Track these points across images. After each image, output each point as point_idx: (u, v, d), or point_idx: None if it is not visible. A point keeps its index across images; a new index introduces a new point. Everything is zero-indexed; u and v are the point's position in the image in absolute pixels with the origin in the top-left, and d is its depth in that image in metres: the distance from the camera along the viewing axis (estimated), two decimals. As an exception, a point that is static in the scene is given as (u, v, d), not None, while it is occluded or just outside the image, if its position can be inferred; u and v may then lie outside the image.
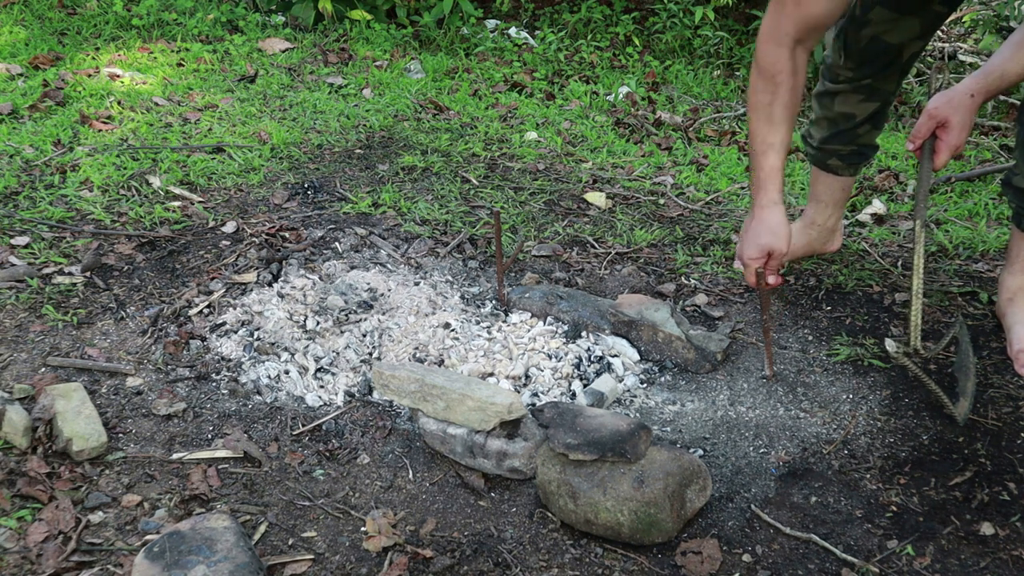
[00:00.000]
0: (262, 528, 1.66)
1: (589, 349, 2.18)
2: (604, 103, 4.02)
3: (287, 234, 2.62)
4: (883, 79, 2.23)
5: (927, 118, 1.97)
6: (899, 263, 2.60)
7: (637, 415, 2.01)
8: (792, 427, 1.96)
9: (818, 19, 1.87)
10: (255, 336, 2.17)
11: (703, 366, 2.14)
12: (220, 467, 1.80)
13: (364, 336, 2.18)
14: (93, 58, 4.04)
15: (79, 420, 1.81)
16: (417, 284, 2.40)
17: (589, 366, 2.12)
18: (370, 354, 2.14)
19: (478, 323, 2.27)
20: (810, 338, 2.26)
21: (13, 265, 2.37)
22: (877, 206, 2.95)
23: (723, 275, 2.53)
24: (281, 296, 2.30)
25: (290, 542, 1.64)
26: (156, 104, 3.55)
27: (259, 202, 2.83)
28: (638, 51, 4.69)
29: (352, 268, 2.45)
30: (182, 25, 4.52)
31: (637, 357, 2.18)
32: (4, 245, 2.47)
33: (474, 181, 3.06)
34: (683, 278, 2.52)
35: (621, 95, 4.09)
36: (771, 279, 2.06)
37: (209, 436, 1.88)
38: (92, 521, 1.64)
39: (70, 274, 2.37)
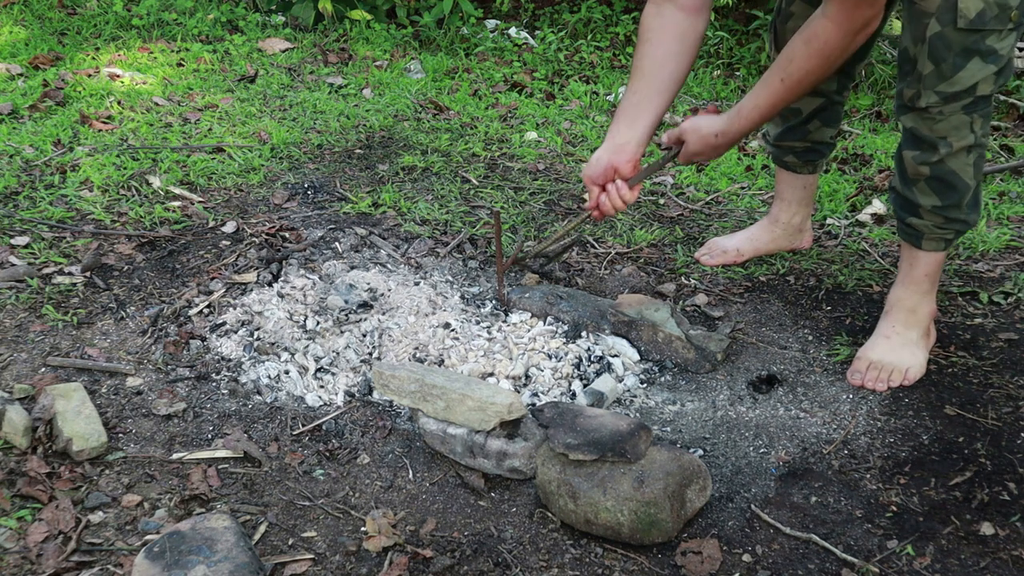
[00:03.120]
0: (262, 528, 1.66)
1: (589, 349, 2.17)
2: (604, 103, 4.02)
3: (287, 234, 2.62)
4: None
5: (678, 131, 2.06)
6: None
7: (637, 415, 2.01)
8: (792, 427, 1.96)
9: None
10: (255, 336, 2.17)
11: (703, 366, 2.14)
12: (220, 467, 1.80)
13: (364, 336, 2.18)
14: (93, 58, 4.04)
15: (79, 420, 1.81)
16: (417, 284, 2.40)
17: (589, 366, 2.12)
18: (370, 354, 2.14)
19: (478, 323, 2.27)
20: (810, 338, 2.26)
21: (13, 265, 2.37)
22: (877, 206, 2.95)
23: (723, 275, 2.53)
24: (281, 296, 2.30)
25: (290, 542, 1.64)
26: (156, 104, 3.55)
27: (259, 202, 2.83)
28: (638, 51, 4.68)
29: (352, 268, 2.45)
30: (182, 25, 4.52)
31: (637, 357, 2.18)
32: (4, 245, 2.47)
33: (474, 181, 3.06)
34: (683, 278, 2.52)
35: (621, 95, 4.09)
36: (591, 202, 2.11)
37: (209, 436, 1.88)
38: (92, 521, 1.64)
39: (70, 274, 2.37)
